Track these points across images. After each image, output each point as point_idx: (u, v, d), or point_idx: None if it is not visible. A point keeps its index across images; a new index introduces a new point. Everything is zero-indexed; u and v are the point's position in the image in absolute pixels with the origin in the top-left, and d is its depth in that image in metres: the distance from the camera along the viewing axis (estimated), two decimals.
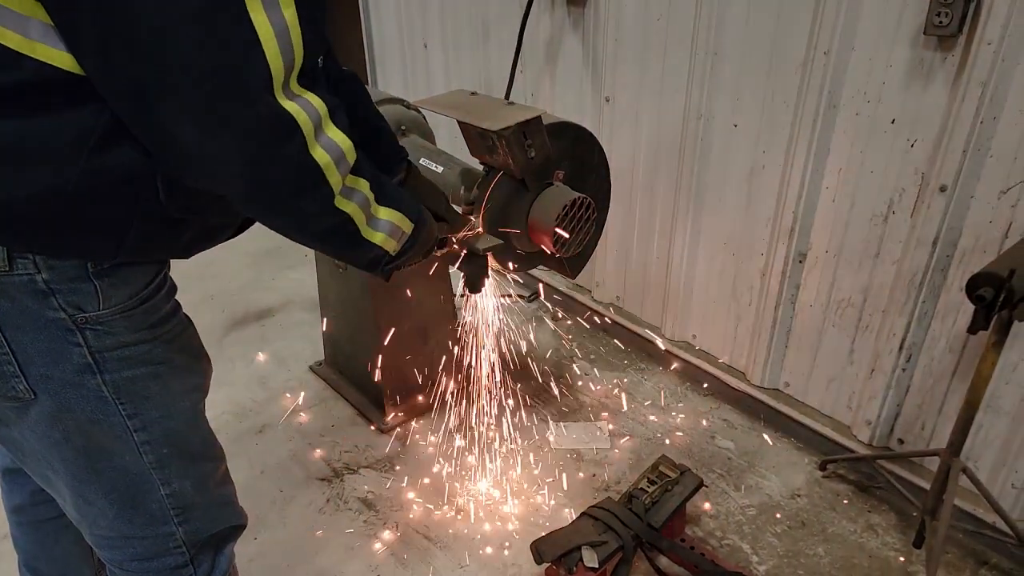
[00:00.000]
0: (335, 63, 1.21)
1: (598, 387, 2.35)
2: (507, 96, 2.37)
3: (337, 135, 0.89)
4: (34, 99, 0.79)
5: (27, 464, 1.09)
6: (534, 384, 2.36)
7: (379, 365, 2.10)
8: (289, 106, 0.82)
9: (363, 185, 0.99)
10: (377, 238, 1.05)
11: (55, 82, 0.78)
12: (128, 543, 1.10)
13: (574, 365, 2.46)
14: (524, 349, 2.53)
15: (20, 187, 0.81)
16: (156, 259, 1.01)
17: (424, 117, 1.93)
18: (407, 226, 1.10)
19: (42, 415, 0.97)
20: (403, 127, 1.85)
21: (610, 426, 2.17)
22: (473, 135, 1.52)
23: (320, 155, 0.87)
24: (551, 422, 2.19)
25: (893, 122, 1.62)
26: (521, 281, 2.91)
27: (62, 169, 0.82)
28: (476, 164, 1.72)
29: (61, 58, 0.77)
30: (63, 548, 1.41)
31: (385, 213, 1.05)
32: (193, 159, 0.82)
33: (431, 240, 1.22)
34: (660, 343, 2.39)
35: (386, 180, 1.06)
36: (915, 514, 1.83)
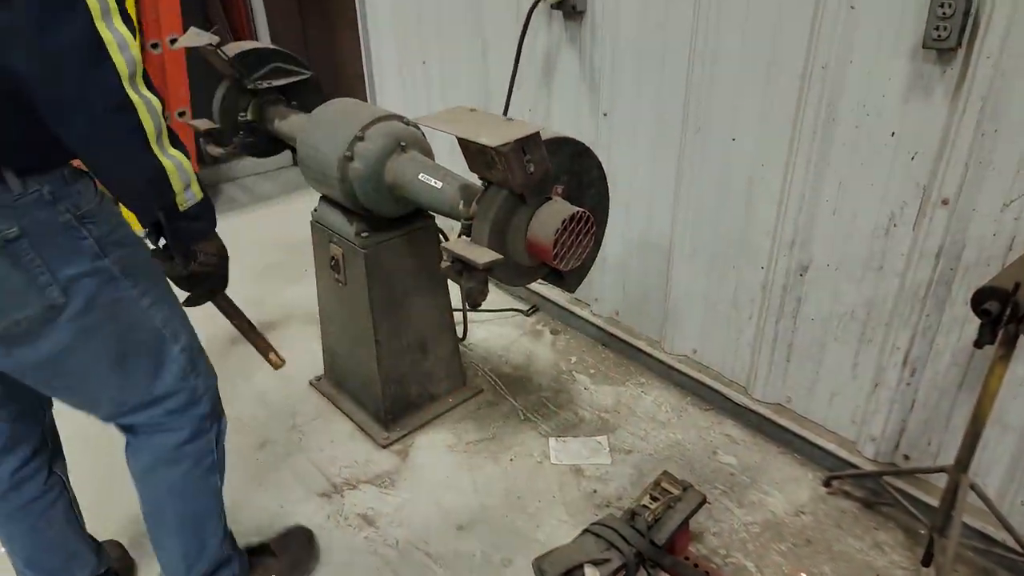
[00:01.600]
0: None
1: (598, 401, 2.33)
2: (505, 112, 2.38)
3: (123, 28, 1.04)
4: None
5: (57, 379, 1.27)
6: (533, 399, 2.34)
7: (378, 379, 2.09)
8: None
9: (157, 104, 1.11)
10: (164, 160, 1.14)
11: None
12: (171, 398, 1.35)
13: (574, 379, 2.44)
14: (523, 363, 2.52)
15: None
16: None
17: (423, 133, 1.93)
18: (196, 189, 1.23)
19: (75, 312, 1.18)
20: (402, 143, 1.85)
21: (610, 441, 2.15)
22: (472, 151, 1.52)
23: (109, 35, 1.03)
24: (551, 437, 2.17)
25: (893, 135, 1.62)
26: (521, 296, 2.90)
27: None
28: (475, 179, 1.72)
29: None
30: (57, 529, 1.49)
31: (177, 154, 1.17)
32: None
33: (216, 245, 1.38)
34: (660, 357, 2.38)
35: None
36: (923, 531, 1.80)
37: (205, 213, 1.28)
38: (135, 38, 1.06)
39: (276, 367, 1.75)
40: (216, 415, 1.46)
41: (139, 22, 3.20)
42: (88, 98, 1.04)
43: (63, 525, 1.51)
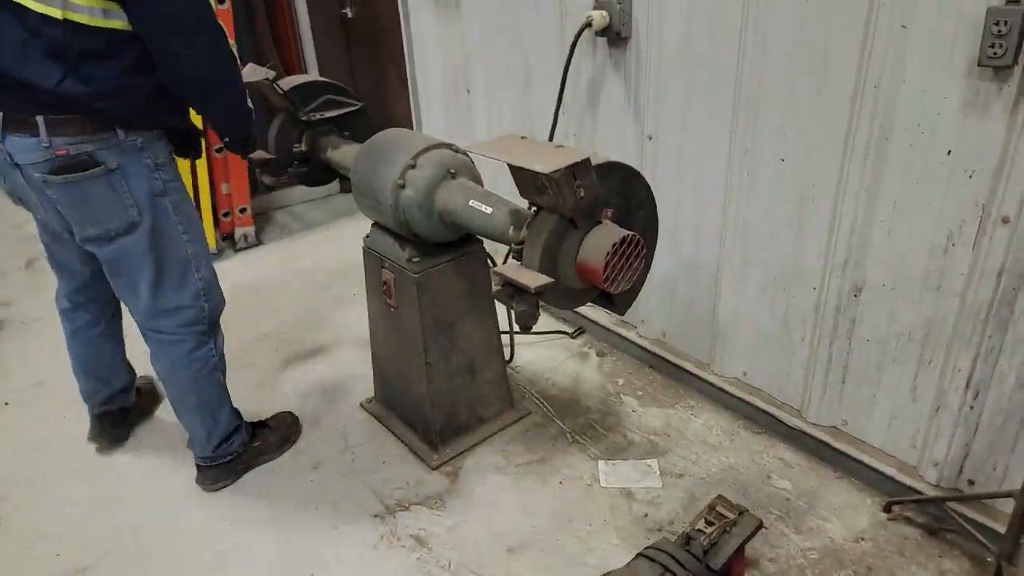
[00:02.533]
0: None
1: (647, 424, 2.32)
2: (551, 137, 2.42)
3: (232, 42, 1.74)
4: (114, 49, 1.58)
5: (121, 276, 1.87)
6: (581, 421, 2.34)
7: (428, 402, 2.12)
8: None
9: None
10: (250, 105, 1.87)
11: (119, 39, 1.57)
12: (183, 312, 1.91)
13: (622, 401, 2.43)
14: (570, 385, 2.53)
15: (120, 105, 1.65)
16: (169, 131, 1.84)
17: (472, 161, 1.98)
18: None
19: (144, 230, 1.78)
20: (452, 170, 1.90)
21: (661, 464, 2.14)
22: (523, 177, 1.55)
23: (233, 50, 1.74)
24: (600, 460, 2.16)
25: (949, 153, 1.60)
26: (566, 318, 2.91)
27: (135, 92, 1.65)
28: (524, 205, 1.76)
29: (124, 25, 1.56)
30: (109, 351, 2.21)
31: (250, 101, 1.89)
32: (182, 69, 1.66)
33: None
34: (709, 379, 2.36)
35: None
36: (990, 559, 1.73)
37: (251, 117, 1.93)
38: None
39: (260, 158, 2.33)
40: (212, 332, 1.99)
41: None
42: (235, 100, 1.83)
43: (114, 349, 2.22)
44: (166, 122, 1.79)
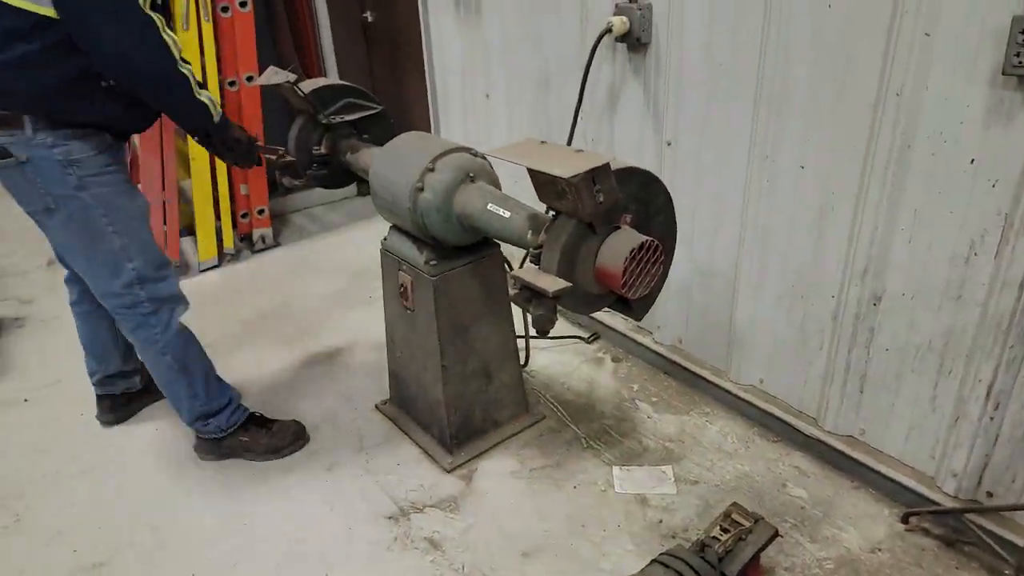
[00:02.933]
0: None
1: (661, 430, 2.31)
2: (569, 142, 2.43)
3: (172, 33, 1.73)
4: (37, 33, 1.62)
5: (65, 256, 2.05)
6: (596, 426, 2.34)
7: (444, 404, 2.13)
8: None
9: (189, 66, 1.80)
10: (204, 104, 1.86)
11: (45, 24, 1.62)
12: (119, 297, 1.98)
13: (637, 407, 2.43)
14: (584, 390, 2.53)
15: (34, 85, 1.69)
16: (102, 129, 1.85)
17: (490, 165, 1.99)
18: (218, 108, 1.94)
19: (62, 218, 1.86)
20: (471, 174, 1.91)
21: (675, 471, 2.13)
22: (542, 182, 1.56)
23: (167, 39, 1.71)
24: (614, 466, 2.16)
25: (972, 162, 1.59)
26: (581, 323, 2.91)
27: (51, 72, 1.68)
28: (541, 208, 1.76)
29: (49, 11, 1.61)
30: (103, 331, 2.29)
31: (205, 95, 1.87)
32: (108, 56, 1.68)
33: (235, 135, 2.07)
34: (725, 386, 2.35)
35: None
36: (1008, 572, 1.72)
37: (226, 123, 2.01)
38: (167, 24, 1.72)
39: (280, 158, 2.34)
40: (155, 312, 2.03)
41: (218, 61, 3.39)
42: (169, 86, 1.80)
43: (105, 331, 2.29)
44: (81, 117, 1.78)
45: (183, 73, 1.77)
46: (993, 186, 1.57)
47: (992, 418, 1.72)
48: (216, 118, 1.92)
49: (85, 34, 1.64)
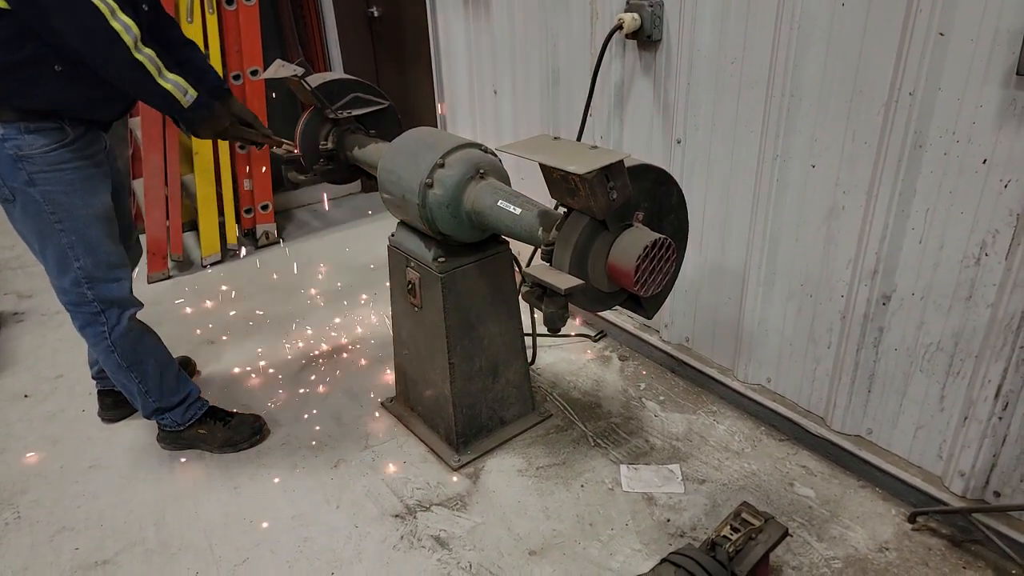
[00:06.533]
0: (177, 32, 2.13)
1: (669, 429, 2.31)
2: (579, 139, 2.42)
3: (125, 19, 1.68)
4: None
5: (27, 244, 1.98)
6: (603, 425, 2.34)
7: (451, 402, 2.13)
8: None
9: (149, 52, 1.75)
10: (169, 89, 1.80)
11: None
12: (66, 294, 2.00)
13: (644, 406, 2.43)
14: (591, 388, 2.52)
15: None
16: (58, 123, 1.82)
17: (500, 161, 1.98)
18: (191, 92, 1.85)
19: (16, 210, 1.88)
20: (481, 170, 1.90)
21: (683, 470, 2.13)
22: (555, 178, 1.55)
23: (117, 26, 1.67)
24: (622, 464, 2.16)
25: (984, 162, 1.58)
26: (588, 321, 2.91)
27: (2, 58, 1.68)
28: (551, 205, 1.76)
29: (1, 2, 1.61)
30: None
31: (174, 76, 1.81)
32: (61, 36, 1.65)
33: (215, 116, 1.97)
34: (732, 385, 2.35)
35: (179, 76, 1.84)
36: (1015, 572, 1.72)
37: (201, 104, 1.89)
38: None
39: (287, 152, 2.32)
40: (102, 312, 2.03)
41: (222, 55, 3.38)
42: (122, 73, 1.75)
43: None
44: (33, 103, 1.76)
45: (138, 60, 1.72)
46: (1005, 186, 1.57)
47: (1000, 418, 1.72)
48: (187, 102, 1.84)
49: (37, 22, 1.64)
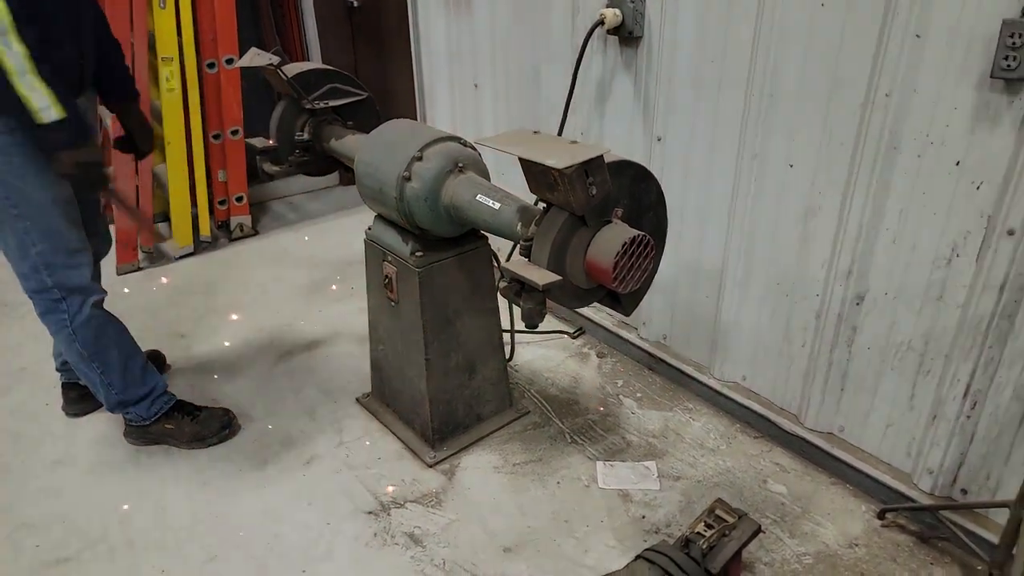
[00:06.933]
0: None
1: (645, 426, 2.31)
2: (559, 135, 2.41)
3: None
4: None
5: None
6: (580, 422, 2.33)
7: (427, 399, 2.11)
8: None
9: (21, 49, 1.60)
10: (26, 96, 1.64)
11: None
12: (27, 280, 1.96)
13: (621, 403, 2.43)
14: (569, 385, 2.52)
15: None
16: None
17: (480, 155, 1.96)
18: (57, 110, 1.67)
19: None
20: (460, 164, 1.88)
21: (659, 466, 2.13)
22: (534, 172, 1.54)
23: None
24: (598, 461, 2.16)
25: (958, 164, 1.61)
26: (566, 318, 2.90)
27: None
28: (531, 200, 1.75)
29: None
30: None
31: (42, 86, 1.64)
32: None
33: (88, 152, 1.81)
34: (708, 383, 2.36)
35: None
36: (980, 567, 1.75)
37: (61, 127, 1.70)
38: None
39: (145, 245, 2.30)
40: (64, 299, 1.98)
41: (196, 42, 3.31)
42: None
43: None
44: None
45: None
46: (977, 188, 1.59)
47: (968, 417, 1.75)
48: (42, 118, 1.67)
49: None
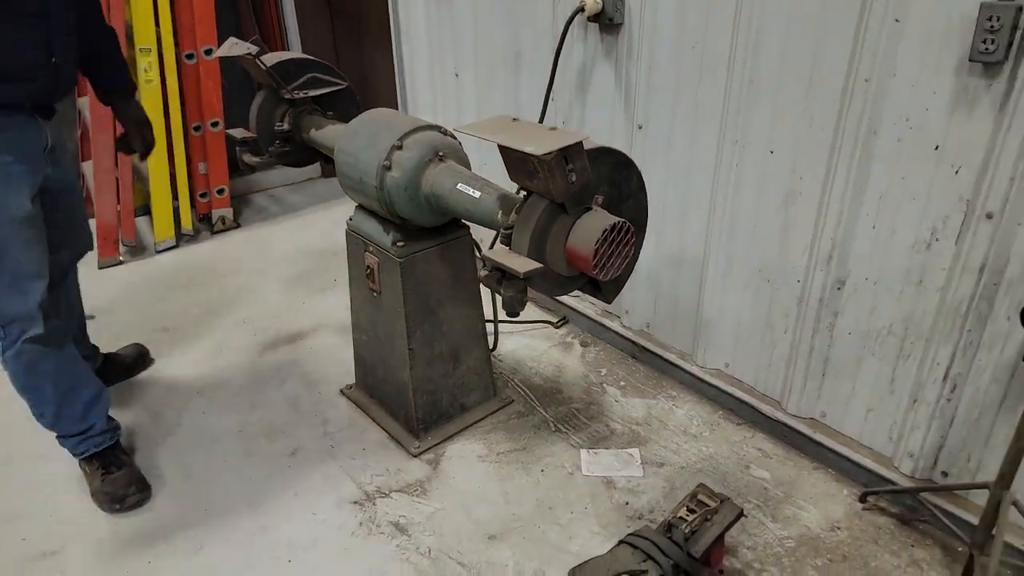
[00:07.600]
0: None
1: (629, 414, 2.32)
2: (540, 123, 2.40)
3: None
4: None
5: None
6: (564, 410, 2.34)
7: (410, 388, 2.10)
8: None
9: None
10: None
11: None
12: None
13: (604, 391, 2.44)
14: (553, 374, 2.52)
15: None
16: None
17: (460, 144, 1.95)
18: None
19: None
20: (440, 153, 1.87)
21: (642, 453, 2.14)
22: (514, 160, 1.53)
23: None
24: (582, 449, 2.16)
25: (937, 148, 1.61)
26: (550, 308, 2.90)
27: None
28: (512, 189, 1.74)
29: None
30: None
31: None
32: None
33: None
34: (691, 370, 2.37)
35: None
36: (961, 549, 1.77)
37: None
38: None
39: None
40: (1, 327, 1.81)
41: (174, 32, 3.26)
42: None
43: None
44: None
45: None
46: (956, 172, 1.60)
47: (948, 400, 1.76)
48: None
49: None
